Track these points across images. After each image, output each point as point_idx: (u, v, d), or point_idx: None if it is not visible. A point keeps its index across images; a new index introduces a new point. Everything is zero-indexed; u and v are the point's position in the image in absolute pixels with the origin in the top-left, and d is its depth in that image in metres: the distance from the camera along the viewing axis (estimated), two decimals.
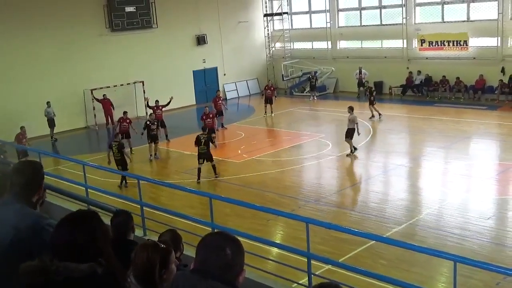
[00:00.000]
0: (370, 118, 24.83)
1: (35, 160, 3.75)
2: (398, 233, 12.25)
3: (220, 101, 24.47)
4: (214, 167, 17.66)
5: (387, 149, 20.55)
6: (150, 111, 23.33)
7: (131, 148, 21.45)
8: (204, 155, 17.54)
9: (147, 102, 24.46)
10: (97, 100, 27.02)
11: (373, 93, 25.21)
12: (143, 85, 29.38)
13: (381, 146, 21.05)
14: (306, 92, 33.45)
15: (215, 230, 8.95)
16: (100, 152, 21.30)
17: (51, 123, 25.35)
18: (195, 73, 32.81)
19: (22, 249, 3.25)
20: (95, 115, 27.41)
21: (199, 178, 17.28)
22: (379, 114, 24.87)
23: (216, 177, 17.59)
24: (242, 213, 13.32)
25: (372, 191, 15.88)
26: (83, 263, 2.48)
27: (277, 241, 12.03)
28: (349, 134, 19.41)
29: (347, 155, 19.30)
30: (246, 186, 16.76)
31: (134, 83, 29.30)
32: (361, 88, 30.95)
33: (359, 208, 14.45)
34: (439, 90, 28.88)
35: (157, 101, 23.94)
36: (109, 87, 27.91)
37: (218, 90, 22.64)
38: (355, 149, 19.30)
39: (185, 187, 12.27)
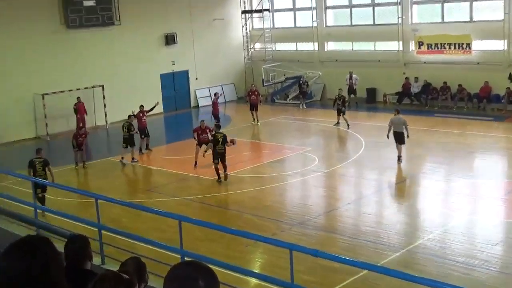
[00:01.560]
0: (335, 124, 25.83)
1: None
2: (395, 261, 12.21)
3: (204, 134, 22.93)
4: (225, 167, 18.82)
5: (381, 164, 20.59)
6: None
7: (83, 162, 21.42)
8: (221, 155, 18.78)
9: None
10: (75, 106, 27.50)
11: (345, 103, 26.22)
12: (103, 89, 29.16)
13: (374, 161, 21.09)
14: (290, 100, 33.52)
15: (186, 259, 8.80)
16: (53, 167, 20.96)
17: None
18: (163, 77, 32.72)
19: None
20: (46, 124, 27.07)
21: (219, 178, 18.73)
22: (348, 125, 25.53)
23: (219, 181, 18.70)
24: (216, 237, 13.18)
25: (365, 213, 15.85)
26: None
27: (256, 270, 11.89)
28: (400, 138, 19.85)
29: (398, 162, 19.80)
30: (221, 206, 16.64)
31: (93, 87, 29.05)
32: (352, 95, 31.14)
33: (350, 232, 14.39)
34: (439, 98, 29.17)
35: (141, 106, 23.89)
36: (63, 91, 27.62)
37: (203, 121, 22.00)
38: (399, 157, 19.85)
39: (151, 207, 12.10)
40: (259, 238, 10.24)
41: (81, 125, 25.93)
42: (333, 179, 19.34)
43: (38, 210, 12.17)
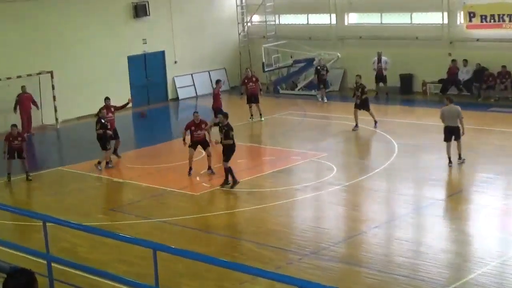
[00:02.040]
0: (354, 128, 25.51)
1: None
2: None
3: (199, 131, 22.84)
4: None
5: (419, 176, 20.63)
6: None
7: (27, 173, 21.58)
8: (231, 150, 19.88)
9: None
10: (17, 98, 27.79)
11: (365, 92, 25.63)
12: (52, 77, 29.25)
13: (410, 171, 21.14)
14: (299, 90, 33.60)
15: None
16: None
17: None
18: (131, 59, 32.88)
19: None
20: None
21: (233, 182, 19.63)
22: (375, 122, 25.51)
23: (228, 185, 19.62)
24: (203, 272, 13.22)
25: (398, 239, 15.89)
26: None
27: None
28: (455, 134, 20.20)
29: (450, 165, 20.35)
30: (208, 230, 16.67)
31: (39, 74, 29.13)
32: (381, 84, 31.21)
33: (379, 264, 14.44)
34: (495, 87, 29.23)
35: (107, 99, 23.64)
36: None
37: (196, 113, 22.24)
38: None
39: (115, 233, 12.13)
40: (259, 272, 10.29)
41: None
42: (356, 194, 19.38)
43: None
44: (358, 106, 25.43)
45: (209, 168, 21.13)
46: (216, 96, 26.72)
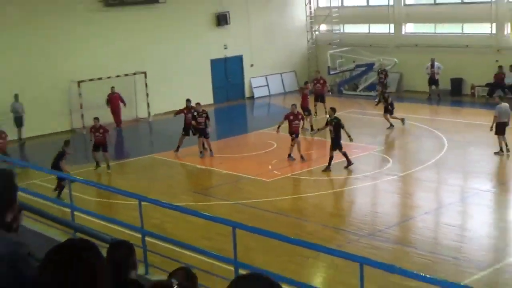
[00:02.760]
0: (388, 128, 25.40)
1: (5, 168, 3.84)
2: (481, 282, 12.15)
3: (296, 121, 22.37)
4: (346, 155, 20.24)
5: (466, 168, 20.39)
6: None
7: (108, 165, 21.58)
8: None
9: None
10: (108, 97, 28.12)
11: (388, 100, 25.66)
12: (146, 77, 29.74)
13: (458, 164, 20.90)
14: (360, 91, 33.45)
15: (240, 271, 9.03)
16: (88, 165, 21.60)
17: (19, 121, 26.06)
18: (214, 62, 33.11)
19: None
20: (82, 115, 27.81)
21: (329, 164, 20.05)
22: (402, 120, 25.48)
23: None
24: (273, 248, 13.34)
25: (446, 224, 15.76)
26: None
27: (318, 287, 12.03)
28: (503, 129, 20.57)
29: (495, 153, 20.76)
30: (278, 212, 16.77)
31: (134, 74, 29.66)
32: (434, 87, 30.87)
33: (428, 246, 14.35)
34: None
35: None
36: (101, 78, 28.27)
37: (294, 105, 23.03)
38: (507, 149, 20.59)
39: (200, 212, 12.38)
40: (323, 249, 10.37)
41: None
42: (409, 184, 19.27)
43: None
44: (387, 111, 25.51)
45: (302, 157, 21.33)
46: (304, 96, 26.39)
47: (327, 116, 21.23)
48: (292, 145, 21.24)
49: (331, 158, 20.14)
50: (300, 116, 22.21)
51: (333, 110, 20.97)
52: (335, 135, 20.22)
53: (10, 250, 3.45)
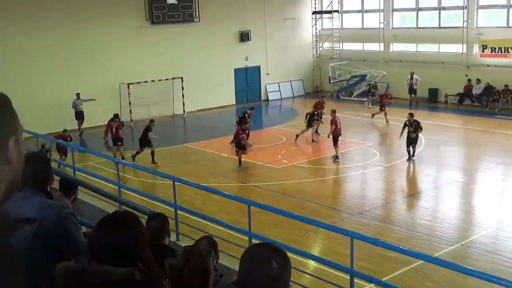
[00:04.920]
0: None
1: (36, 150, 3.95)
2: (449, 254, 12.02)
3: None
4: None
5: (439, 162, 20.21)
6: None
7: (122, 157, 20.69)
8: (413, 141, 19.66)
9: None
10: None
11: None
12: (182, 81, 29.71)
13: (433, 158, 20.71)
14: (354, 97, 33.25)
15: (253, 241, 8.97)
16: (132, 150, 21.60)
17: (80, 115, 26.19)
18: (237, 71, 33.01)
19: (47, 243, 3.31)
20: (130, 111, 27.83)
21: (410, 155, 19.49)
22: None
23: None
24: (280, 222, 13.29)
25: (422, 207, 15.64)
26: (122, 268, 2.51)
27: (316, 254, 11.95)
28: None
29: None
30: (285, 193, 16.73)
31: (173, 79, 29.65)
32: (413, 95, 30.62)
33: (407, 224, 14.23)
34: (500, 100, 28.28)
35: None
36: (146, 82, 28.34)
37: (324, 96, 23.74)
38: None
39: (223, 191, 12.33)
40: (321, 224, 10.28)
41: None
42: (392, 173, 19.13)
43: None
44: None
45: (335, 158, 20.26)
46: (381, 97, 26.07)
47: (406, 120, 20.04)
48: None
49: (409, 152, 19.70)
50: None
51: (411, 115, 20.20)
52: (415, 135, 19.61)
53: (56, 212, 3.48)
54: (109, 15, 27.46)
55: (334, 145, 20.11)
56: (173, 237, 9.84)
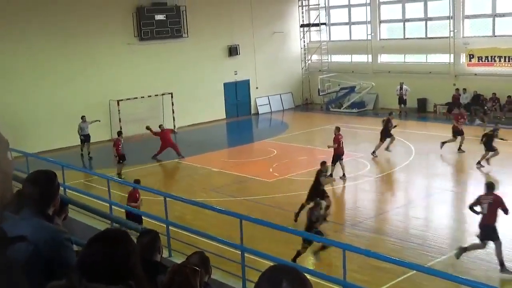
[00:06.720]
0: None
1: (48, 169, 3.76)
2: (442, 264, 12.04)
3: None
4: None
5: (430, 171, 20.27)
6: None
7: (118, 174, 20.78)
8: None
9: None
10: (155, 133, 23.71)
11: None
12: (172, 97, 29.71)
13: (423, 168, 20.78)
14: (344, 108, 33.38)
15: (275, 264, 8.93)
16: (128, 166, 21.52)
17: (87, 138, 24.75)
18: (226, 85, 33.06)
19: (41, 266, 3.29)
20: (121, 127, 27.75)
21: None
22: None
23: None
24: (273, 236, 13.24)
25: (414, 217, 15.68)
26: (113, 286, 2.50)
27: (311, 268, 11.93)
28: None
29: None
30: (277, 207, 16.70)
31: (162, 94, 29.66)
32: (403, 105, 30.78)
33: (399, 235, 14.25)
34: (487, 109, 28.46)
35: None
36: (136, 98, 28.30)
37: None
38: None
39: (213, 206, 12.31)
40: (314, 237, 10.30)
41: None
42: (383, 184, 19.18)
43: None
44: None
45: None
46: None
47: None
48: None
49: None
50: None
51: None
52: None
53: (52, 236, 3.45)
54: (97, 33, 27.44)
55: (332, 163, 19.20)
56: (165, 254, 9.81)
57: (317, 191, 15.00)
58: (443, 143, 22.07)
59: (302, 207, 15.03)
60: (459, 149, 21.90)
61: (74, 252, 3.68)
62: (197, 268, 4.63)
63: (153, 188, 16.11)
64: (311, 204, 13.28)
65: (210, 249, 10.13)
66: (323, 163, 15.92)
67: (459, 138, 22.11)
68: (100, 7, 27.55)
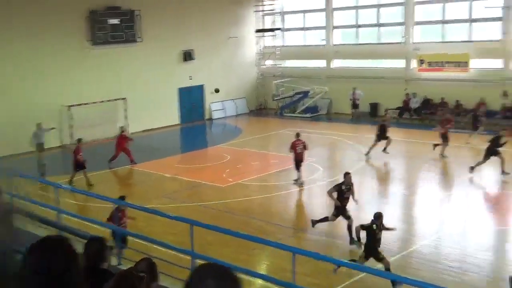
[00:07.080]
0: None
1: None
2: (393, 265, 12.23)
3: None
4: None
5: (381, 173, 20.64)
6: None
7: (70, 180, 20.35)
8: None
9: None
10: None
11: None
12: (125, 102, 29.41)
13: (375, 171, 21.14)
14: (297, 113, 33.67)
15: (197, 261, 8.95)
16: (79, 173, 21.17)
17: (42, 147, 23.35)
18: (181, 90, 32.93)
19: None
20: (71, 134, 27.34)
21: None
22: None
23: None
24: (226, 241, 13.27)
25: (365, 220, 15.86)
26: None
27: (262, 272, 12.00)
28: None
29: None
30: (230, 212, 16.74)
31: (116, 100, 29.34)
32: (355, 110, 31.25)
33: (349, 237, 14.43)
34: (437, 113, 29.13)
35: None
36: (87, 104, 27.90)
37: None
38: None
39: (164, 212, 12.24)
40: (265, 242, 10.37)
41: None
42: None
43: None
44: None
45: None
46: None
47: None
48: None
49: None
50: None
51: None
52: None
53: None
54: (49, 37, 26.92)
55: (296, 168, 19.21)
56: (114, 261, 9.73)
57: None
58: (435, 145, 22.11)
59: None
60: (441, 154, 21.82)
61: (17, 264, 3.63)
62: (143, 275, 4.63)
63: (104, 195, 15.90)
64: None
65: (162, 256, 10.10)
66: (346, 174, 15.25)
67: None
68: (52, 10, 27.01)
